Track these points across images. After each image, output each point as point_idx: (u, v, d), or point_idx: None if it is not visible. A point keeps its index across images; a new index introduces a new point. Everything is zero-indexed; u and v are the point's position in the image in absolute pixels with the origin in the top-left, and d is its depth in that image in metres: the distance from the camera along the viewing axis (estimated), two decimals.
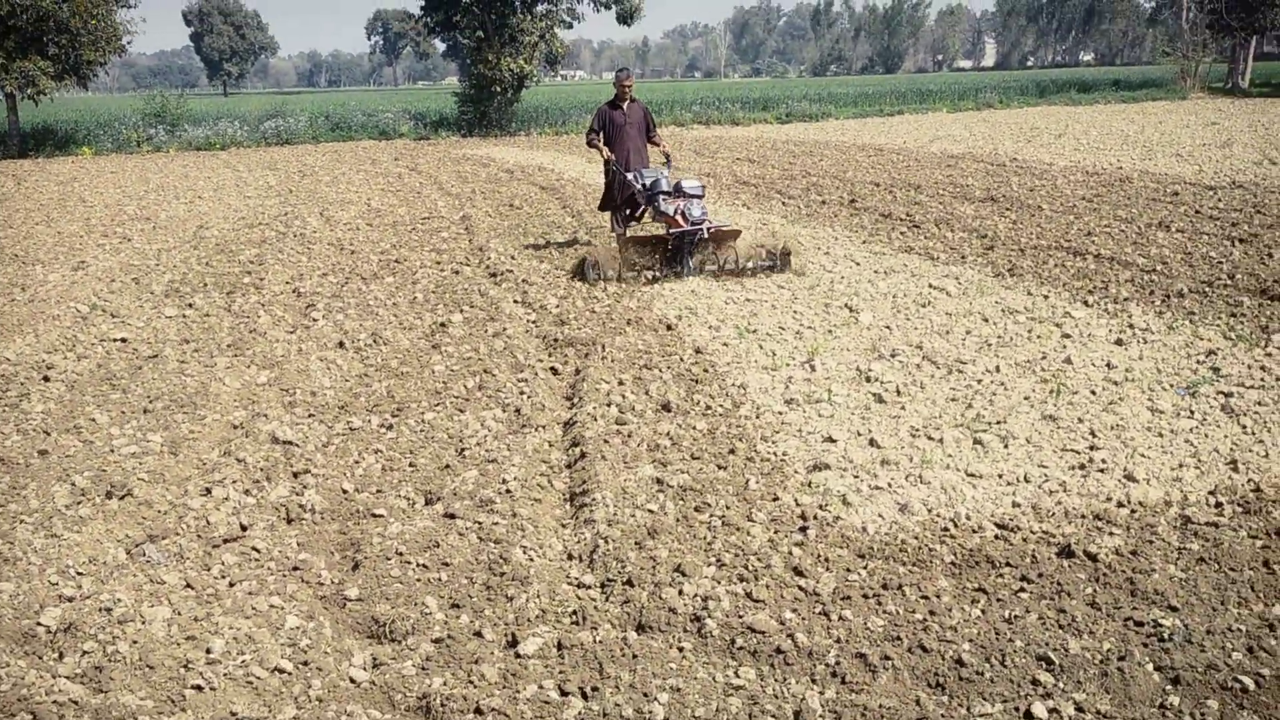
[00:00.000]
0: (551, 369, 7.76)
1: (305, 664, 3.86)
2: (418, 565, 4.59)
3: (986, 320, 8.54)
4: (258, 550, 4.77)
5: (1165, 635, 3.87)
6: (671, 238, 10.49)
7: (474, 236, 13.78)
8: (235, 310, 9.74)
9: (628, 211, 11.88)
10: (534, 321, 9.16)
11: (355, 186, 20.36)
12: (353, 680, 3.78)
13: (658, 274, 10.59)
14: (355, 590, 4.42)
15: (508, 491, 5.35)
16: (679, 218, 10.44)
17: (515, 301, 9.91)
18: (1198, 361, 7.26)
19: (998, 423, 6.20)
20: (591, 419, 6.44)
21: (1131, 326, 8.17)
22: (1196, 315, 8.43)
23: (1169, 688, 3.60)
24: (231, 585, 4.45)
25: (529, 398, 6.90)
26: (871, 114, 43.32)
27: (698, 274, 10.51)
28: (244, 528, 5.00)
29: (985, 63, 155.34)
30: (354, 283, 10.89)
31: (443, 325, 8.96)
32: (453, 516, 5.09)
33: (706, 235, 10.42)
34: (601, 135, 11.88)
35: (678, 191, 10.90)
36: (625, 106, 11.86)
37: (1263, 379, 6.82)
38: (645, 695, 3.62)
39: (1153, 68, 63.55)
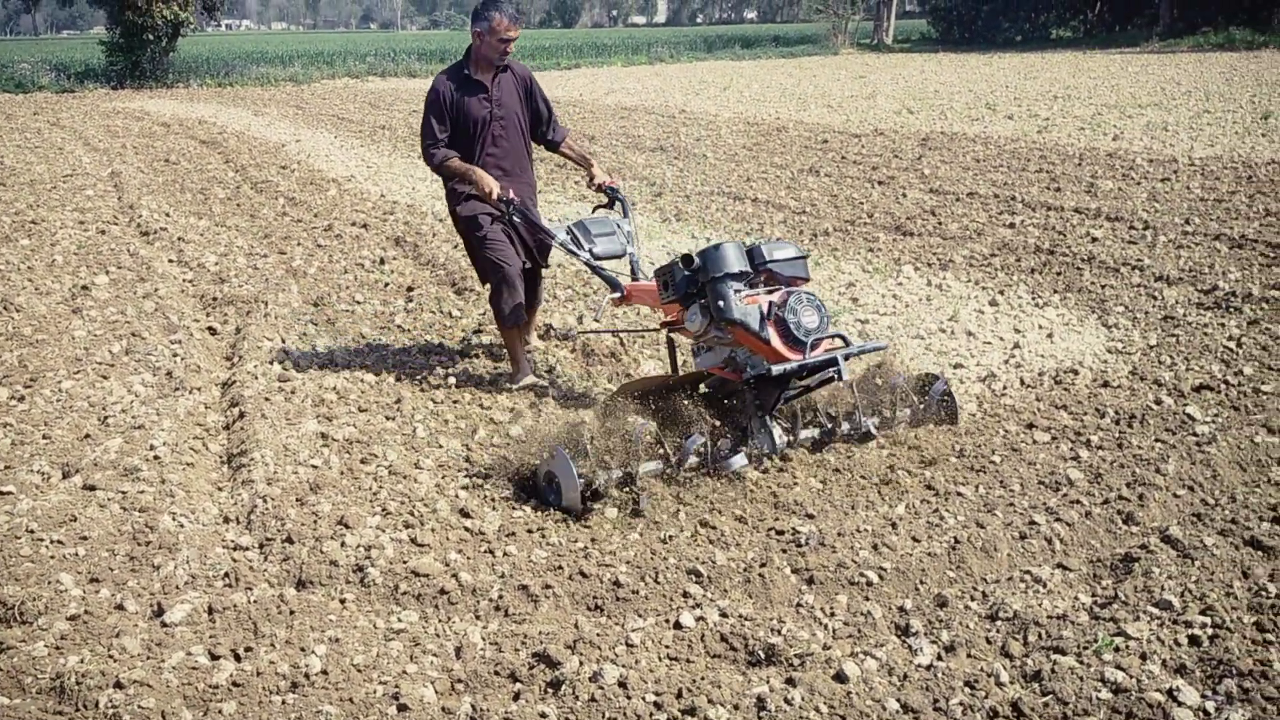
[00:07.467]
0: (209, 329, 7.33)
1: None
2: (52, 542, 4.23)
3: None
4: None
5: (802, 541, 4.18)
6: (755, 383, 4.71)
7: (124, 194, 12.75)
8: None
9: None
10: (190, 280, 8.61)
11: None
12: None
13: (708, 462, 4.71)
14: None
15: (156, 458, 5.02)
16: (774, 336, 4.52)
17: (170, 261, 9.27)
18: (839, 293, 7.84)
19: None
20: (252, 378, 6.15)
21: None
22: (840, 251, 9.10)
23: (805, 587, 3.89)
24: None
25: (182, 360, 6.49)
26: (550, 67, 43.52)
27: (785, 447, 4.89)
28: None
29: (658, 19, 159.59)
30: None
31: (85, 288, 8.24)
32: (93, 488, 4.72)
33: (843, 377, 4.60)
34: (451, 145, 5.89)
35: (757, 269, 4.75)
36: (491, 81, 5.91)
37: (894, 306, 7.47)
38: (302, 650, 3.52)
39: (808, 25, 67.58)
